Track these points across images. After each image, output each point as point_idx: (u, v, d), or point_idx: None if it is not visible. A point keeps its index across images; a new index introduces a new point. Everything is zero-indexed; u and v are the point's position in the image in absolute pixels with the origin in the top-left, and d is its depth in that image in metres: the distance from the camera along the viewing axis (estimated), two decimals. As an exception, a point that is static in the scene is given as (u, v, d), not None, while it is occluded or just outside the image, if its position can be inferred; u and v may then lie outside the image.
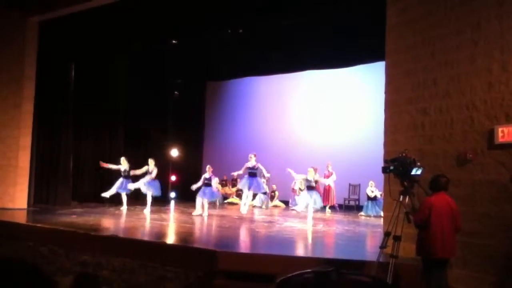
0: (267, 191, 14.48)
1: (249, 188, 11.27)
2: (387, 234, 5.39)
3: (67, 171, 12.86)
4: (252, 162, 11.34)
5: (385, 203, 7.14)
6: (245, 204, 11.33)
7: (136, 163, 12.31)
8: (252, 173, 11.42)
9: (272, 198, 15.50)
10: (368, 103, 13.72)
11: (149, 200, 11.72)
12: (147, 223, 9.98)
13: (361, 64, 13.98)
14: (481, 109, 5.71)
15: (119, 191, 11.98)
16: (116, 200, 12.42)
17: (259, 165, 11.40)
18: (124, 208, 11.95)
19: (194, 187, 11.59)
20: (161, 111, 15.97)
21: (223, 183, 16.15)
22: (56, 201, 12.53)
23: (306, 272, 1.28)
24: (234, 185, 16.04)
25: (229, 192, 16.08)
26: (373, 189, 12.60)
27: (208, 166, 11.90)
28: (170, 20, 12.09)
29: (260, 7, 11.22)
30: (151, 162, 11.88)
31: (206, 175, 11.57)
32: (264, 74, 16.19)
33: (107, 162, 12.19)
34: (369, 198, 12.69)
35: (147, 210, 11.47)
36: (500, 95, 5.53)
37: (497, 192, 5.44)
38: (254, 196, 13.43)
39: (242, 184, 11.55)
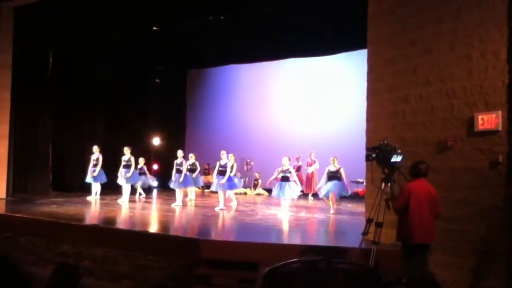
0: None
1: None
2: (369, 221, 5.44)
3: (46, 160, 12.66)
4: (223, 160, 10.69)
5: (367, 190, 7.20)
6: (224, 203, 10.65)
7: (116, 151, 12.16)
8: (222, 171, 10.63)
9: (255, 186, 15.54)
10: (351, 91, 13.76)
11: (129, 190, 11.67)
12: (129, 213, 9.91)
13: (344, 52, 14.01)
14: (461, 96, 5.77)
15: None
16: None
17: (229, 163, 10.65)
18: (125, 199, 11.52)
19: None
20: (142, 99, 15.78)
21: (205, 172, 16.11)
22: (35, 190, 12.34)
23: (293, 261, 1.26)
24: (205, 174, 16.03)
25: (211, 180, 16.03)
26: (336, 165, 10.30)
27: (179, 151, 11.55)
28: (151, 6, 11.89)
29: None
30: (127, 150, 11.75)
31: (177, 160, 11.37)
32: (246, 62, 16.12)
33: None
34: (330, 177, 10.21)
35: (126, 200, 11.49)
36: (479, 83, 5.59)
37: (476, 179, 5.52)
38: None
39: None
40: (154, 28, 13.71)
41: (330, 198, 10.28)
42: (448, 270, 5.60)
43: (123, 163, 11.59)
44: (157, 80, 16.61)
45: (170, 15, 12.45)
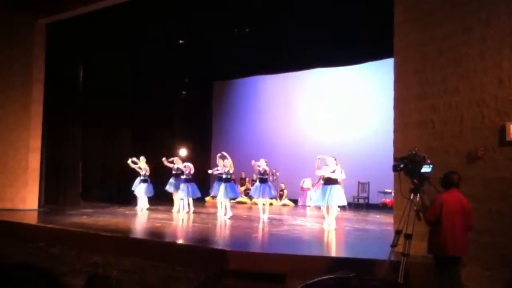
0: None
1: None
2: (398, 233, 5.35)
3: (76, 171, 12.95)
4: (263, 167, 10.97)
5: (395, 201, 7.10)
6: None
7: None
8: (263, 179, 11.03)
9: (280, 197, 15.50)
10: (377, 100, 13.64)
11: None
12: (156, 223, 10.00)
13: (369, 61, 13.92)
14: (492, 105, 5.66)
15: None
16: (125, 200, 12.49)
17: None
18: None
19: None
20: (169, 110, 16.03)
21: (242, 182, 16.22)
22: (66, 201, 12.61)
23: (327, 278, 1.27)
24: (242, 184, 16.11)
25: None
26: (336, 168, 9.28)
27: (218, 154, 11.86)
28: (177, 20, 12.12)
29: (267, 5, 11.22)
30: (177, 160, 12.24)
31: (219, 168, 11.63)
32: (271, 72, 16.19)
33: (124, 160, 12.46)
34: (328, 182, 9.22)
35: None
36: (510, 91, 5.48)
37: (508, 189, 5.39)
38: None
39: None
40: (180, 41, 13.97)
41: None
42: (481, 283, 5.46)
43: (174, 172, 12.02)
44: (183, 92, 16.84)
45: (195, 29, 12.66)
